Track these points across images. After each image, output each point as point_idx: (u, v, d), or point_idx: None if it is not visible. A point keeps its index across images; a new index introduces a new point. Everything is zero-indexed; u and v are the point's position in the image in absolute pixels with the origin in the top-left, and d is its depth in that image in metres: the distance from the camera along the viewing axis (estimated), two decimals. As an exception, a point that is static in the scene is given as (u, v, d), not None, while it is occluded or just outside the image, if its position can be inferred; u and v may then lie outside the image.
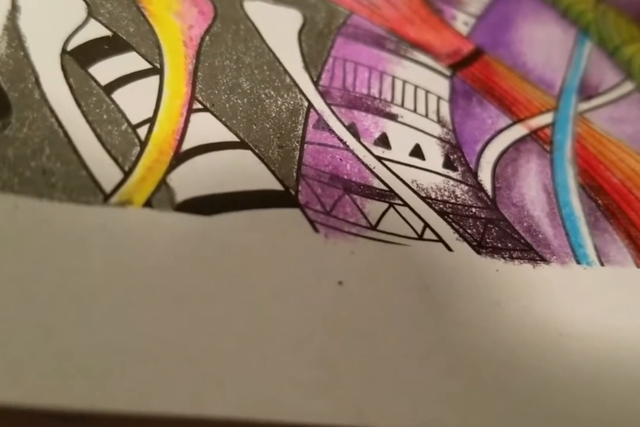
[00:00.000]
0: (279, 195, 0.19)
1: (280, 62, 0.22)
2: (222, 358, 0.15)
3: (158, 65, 0.20)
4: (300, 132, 0.20)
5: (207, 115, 0.19)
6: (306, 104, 0.21)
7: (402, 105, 0.22)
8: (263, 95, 0.21)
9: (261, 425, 0.15)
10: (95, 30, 0.20)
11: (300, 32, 0.23)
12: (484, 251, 0.20)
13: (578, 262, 0.21)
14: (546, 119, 0.24)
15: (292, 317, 0.16)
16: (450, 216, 0.20)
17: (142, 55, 0.20)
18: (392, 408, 0.16)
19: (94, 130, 0.18)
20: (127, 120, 0.18)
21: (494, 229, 0.21)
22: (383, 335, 0.17)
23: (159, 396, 0.14)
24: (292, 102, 0.21)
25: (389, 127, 0.22)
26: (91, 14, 0.20)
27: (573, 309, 0.19)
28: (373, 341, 0.17)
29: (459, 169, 0.22)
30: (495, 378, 0.17)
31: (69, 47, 0.19)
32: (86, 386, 0.14)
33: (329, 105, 0.21)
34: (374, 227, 0.19)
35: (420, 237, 0.19)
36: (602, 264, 0.21)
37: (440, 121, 0.23)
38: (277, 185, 0.19)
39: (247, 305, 0.16)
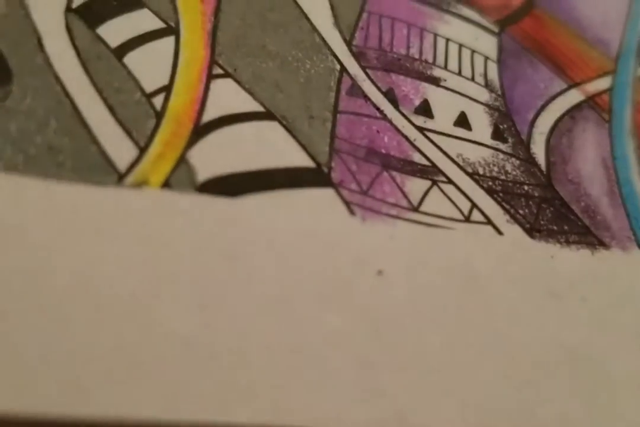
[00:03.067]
0: (311, 173, 0.17)
1: (308, 19, 0.20)
2: (249, 359, 0.14)
3: (173, 24, 0.18)
4: (333, 100, 0.18)
5: (229, 81, 0.18)
6: (338, 67, 0.19)
7: (445, 68, 0.20)
8: (290, 58, 0.19)
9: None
10: (103, -17, 0.18)
11: (331, -16, 0.21)
12: (537, 234, 0.18)
13: (640, 247, 0.19)
14: (604, 83, 0.22)
15: (326, 311, 0.15)
16: (500, 194, 0.19)
17: (155, 13, 0.18)
18: (438, 415, 0.15)
19: (104, 100, 0.16)
20: (141, 89, 0.17)
21: (548, 209, 0.19)
22: (427, 331, 0.16)
23: (183, 403, 0.13)
24: (322, 66, 0.19)
25: (431, 92, 0.20)
26: (97, -35, 0.18)
27: (636, 299, 0.18)
28: (416, 338, 0.16)
29: (509, 140, 0.20)
30: (555, 380, 0.16)
31: (74, 4, 0.17)
32: (103, 392, 0.13)
33: (363, 68, 0.19)
34: (415, 209, 0.18)
35: (467, 219, 0.18)
36: (667, 249, 0.20)
37: (488, 85, 0.21)
38: (308, 162, 0.17)
39: (276, 298, 0.15)
